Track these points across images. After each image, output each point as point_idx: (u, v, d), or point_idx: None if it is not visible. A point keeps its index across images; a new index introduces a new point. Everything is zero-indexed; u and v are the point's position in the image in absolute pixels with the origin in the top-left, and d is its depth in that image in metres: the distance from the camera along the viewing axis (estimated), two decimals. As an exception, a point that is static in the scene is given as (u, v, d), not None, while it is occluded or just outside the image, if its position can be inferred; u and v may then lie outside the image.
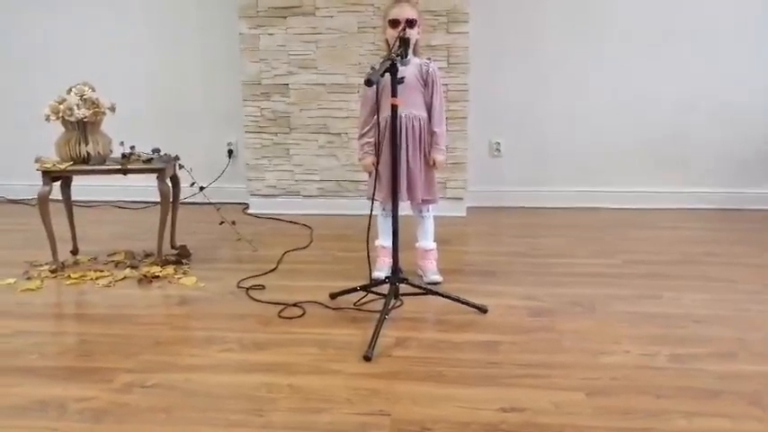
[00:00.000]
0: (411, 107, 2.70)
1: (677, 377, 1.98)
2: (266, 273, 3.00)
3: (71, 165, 2.98)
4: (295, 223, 3.97)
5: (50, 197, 3.02)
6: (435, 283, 2.78)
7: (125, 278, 2.95)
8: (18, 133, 4.53)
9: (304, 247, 3.45)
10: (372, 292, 2.56)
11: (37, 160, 3.01)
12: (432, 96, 2.75)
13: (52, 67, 4.40)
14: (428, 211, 2.88)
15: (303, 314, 2.50)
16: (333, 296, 2.63)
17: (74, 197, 3.33)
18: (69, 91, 2.96)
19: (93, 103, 2.95)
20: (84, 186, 3.58)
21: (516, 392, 1.89)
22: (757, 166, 4.27)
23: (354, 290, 2.58)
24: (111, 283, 2.89)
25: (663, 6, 4.14)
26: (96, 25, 4.50)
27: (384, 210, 2.84)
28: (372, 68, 2.61)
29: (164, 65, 4.52)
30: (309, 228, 3.83)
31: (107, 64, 4.36)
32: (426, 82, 2.74)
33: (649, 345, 2.20)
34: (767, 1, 4.08)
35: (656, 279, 2.90)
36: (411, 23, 2.65)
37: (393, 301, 2.44)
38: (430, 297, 2.57)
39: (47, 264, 3.08)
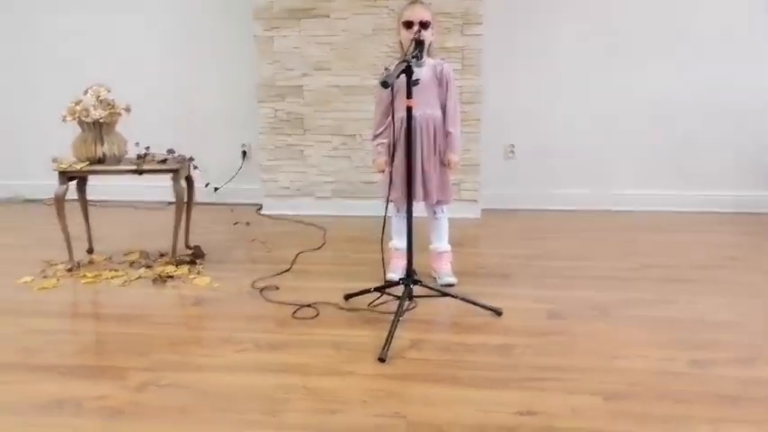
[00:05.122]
0: (426, 107, 2.69)
1: (696, 382, 1.95)
2: (280, 273, 3.00)
3: (87, 165, 3.01)
4: (309, 224, 3.98)
5: (66, 197, 3.04)
6: (450, 285, 2.77)
7: (140, 278, 2.96)
8: (35, 134, 4.57)
9: (318, 248, 3.45)
10: (387, 294, 2.55)
11: (54, 160, 3.03)
12: (446, 97, 2.74)
13: (68, 69, 4.43)
14: (442, 212, 2.87)
15: (317, 315, 2.50)
16: (347, 297, 2.63)
17: (89, 197, 3.35)
18: (86, 92, 2.98)
19: (109, 104, 2.98)
20: (99, 186, 3.60)
21: (532, 396, 1.87)
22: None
23: (368, 291, 2.57)
24: (125, 282, 2.91)
25: (676, 10, 4.10)
26: (112, 28, 4.53)
27: (398, 211, 2.83)
28: (386, 69, 2.60)
29: (178, 66, 4.55)
30: (323, 229, 3.82)
31: (122, 65, 4.39)
32: (441, 82, 2.73)
33: (667, 349, 2.18)
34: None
35: (673, 283, 2.87)
36: (425, 25, 2.64)
37: (407, 303, 2.44)
38: (444, 299, 2.56)
39: (63, 263, 3.10)
